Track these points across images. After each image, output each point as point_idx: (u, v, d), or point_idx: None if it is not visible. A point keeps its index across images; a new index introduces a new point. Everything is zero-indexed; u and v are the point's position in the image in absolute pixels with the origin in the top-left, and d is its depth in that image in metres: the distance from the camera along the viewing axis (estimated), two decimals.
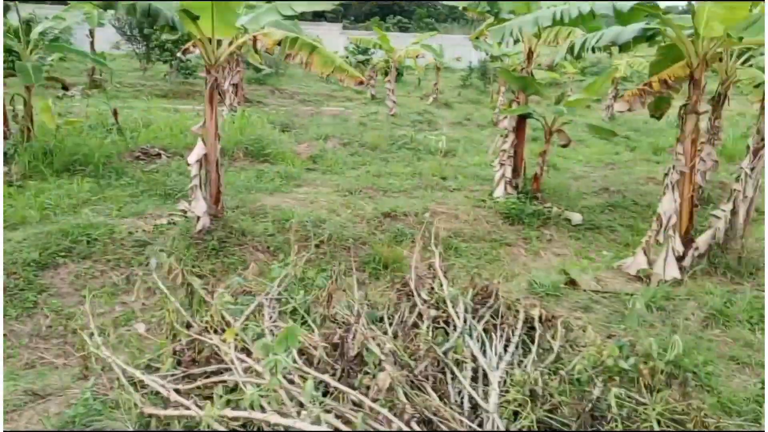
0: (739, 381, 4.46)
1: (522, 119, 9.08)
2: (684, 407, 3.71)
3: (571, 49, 6.25)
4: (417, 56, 21.49)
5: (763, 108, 5.97)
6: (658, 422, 3.52)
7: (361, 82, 6.50)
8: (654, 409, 3.57)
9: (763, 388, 4.34)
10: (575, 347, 4.33)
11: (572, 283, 5.85)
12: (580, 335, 4.60)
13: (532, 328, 4.35)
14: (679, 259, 6.11)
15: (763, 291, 5.91)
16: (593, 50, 6.17)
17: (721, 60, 6.44)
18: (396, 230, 7.54)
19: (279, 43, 6.13)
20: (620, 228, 8.62)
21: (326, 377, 2.53)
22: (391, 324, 3.99)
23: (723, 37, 5.34)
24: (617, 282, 6.16)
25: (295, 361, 2.55)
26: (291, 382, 2.47)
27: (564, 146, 9.00)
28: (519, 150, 9.23)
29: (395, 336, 3.88)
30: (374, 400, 2.45)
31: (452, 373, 3.38)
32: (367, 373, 2.70)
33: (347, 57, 28.95)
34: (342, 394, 2.49)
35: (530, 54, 8.71)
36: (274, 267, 3.86)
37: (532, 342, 4.26)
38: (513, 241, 8.14)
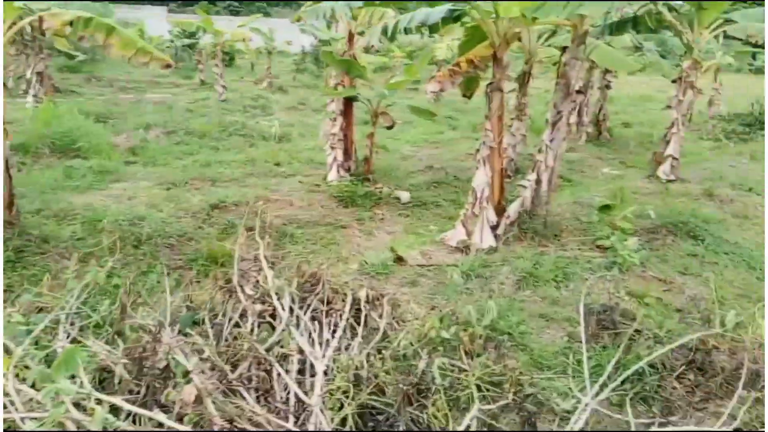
0: (548, 336, 4.83)
1: (349, 102, 9.09)
2: (501, 369, 3.92)
3: (384, 31, 6.31)
4: (244, 39, 20.78)
5: (557, 84, 6.47)
6: (478, 387, 3.68)
7: (168, 66, 6.06)
8: (474, 375, 3.72)
9: (569, 341, 4.74)
10: (402, 323, 4.40)
11: (400, 260, 5.98)
12: (407, 310, 4.71)
13: (361, 310, 4.36)
14: (494, 228, 6.49)
15: (566, 251, 6.48)
16: (406, 31, 6.28)
17: (520, 39, 6.86)
18: (226, 222, 7.23)
19: (71, 24, 5.50)
20: (444, 203, 8.99)
21: (118, 399, 2.29)
22: (212, 326, 3.78)
23: (519, 17, 5.67)
24: (441, 254, 6.40)
25: (82, 385, 2.27)
26: (85, 409, 2.21)
27: (389, 128, 9.18)
28: (348, 133, 9.25)
29: (217, 339, 3.68)
30: (181, 417, 2.27)
31: (280, 369, 3.27)
32: (176, 386, 2.50)
33: (172, 41, 27.31)
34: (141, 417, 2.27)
35: (351, 37, 8.72)
36: (69, 277, 3.46)
37: (361, 324, 4.27)
38: (348, 223, 8.16)
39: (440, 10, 5.91)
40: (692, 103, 9.72)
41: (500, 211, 6.60)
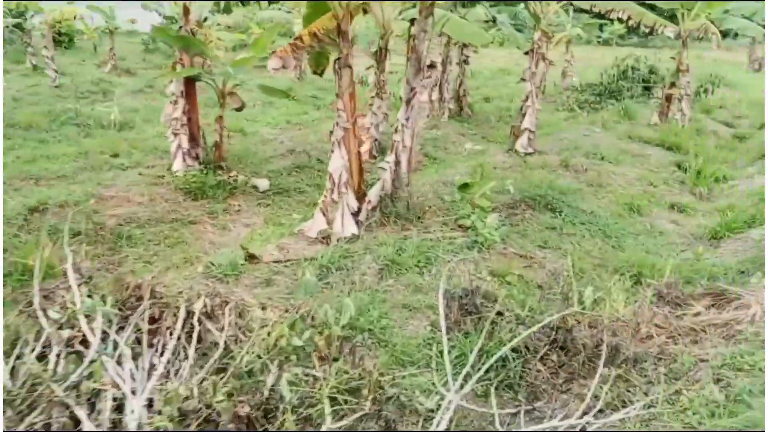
0: (412, 328, 4.60)
1: (191, 83, 8.35)
2: (359, 373, 3.61)
3: (218, 4, 5.72)
4: (75, 17, 18.91)
5: (408, 59, 6.23)
6: (333, 399, 3.34)
7: None
8: (327, 385, 3.38)
9: (433, 330, 4.53)
10: (249, 333, 3.95)
11: (252, 257, 5.49)
12: (256, 317, 4.25)
13: (199, 323, 3.86)
14: (355, 214, 6.18)
15: (430, 233, 6.31)
16: (243, 3, 5.72)
17: (366, 12, 6.52)
18: (49, 228, 6.33)
19: None
20: (308, 188, 8.58)
21: None
22: (7, 362, 3.12)
23: None
24: (300, 247, 5.99)
25: None
26: None
27: (238, 110, 8.56)
28: (193, 117, 8.52)
29: (12, 376, 3.05)
30: None
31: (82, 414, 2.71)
32: None
33: None
34: None
35: (186, 11, 7.95)
36: None
37: (199, 341, 3.78)
38: (198, 218, 7.51)
39: None
40: (545, 75, 9.97)
41: (361, 196, 6.29)
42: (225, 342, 3.75)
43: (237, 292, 4.77)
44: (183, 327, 3.74)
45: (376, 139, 10.52)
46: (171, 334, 3.62)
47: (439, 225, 6.57)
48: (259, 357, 3.69)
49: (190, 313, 3.79)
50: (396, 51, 11.63)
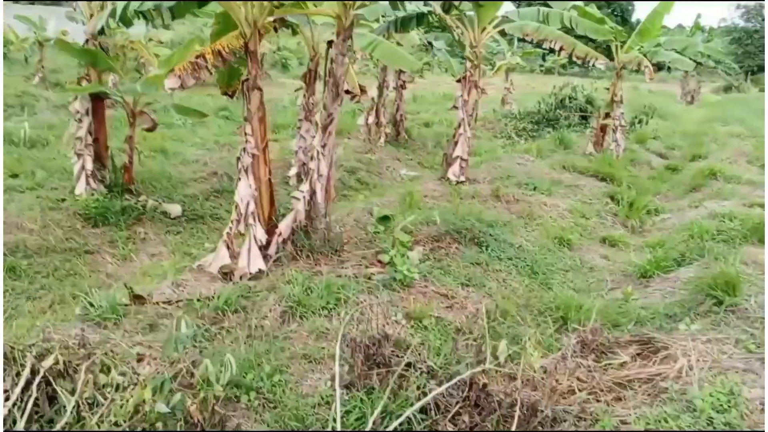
0: (310, 383, 4.11)
1: (99, 101, 7.72)
2: None
3: (113, 14, 5.19)
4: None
5: (325, 83, 5.82)
6: None
7: None
8: None
9: (333, 387, 4.05)
10: (110, 395, 3.40)
11: (138, 298, 4.90)
12: (128, 371, 3.69)
13: (49, 384, 3.29)
14: (265, 247, 5.69)
15: (346, 268, 5.86)
16: (145, 17, 5.23)
17: (276, 30, 6.08)
18: None
19: None
20: (226, 215, 8.01)
21: None
22: None
23: (270, 6, 4.92)
24: (201, 284, 5.44)
25: None
26: None
27: (149, 130, 7.97)
28: (101, 136, 7.88)
29: None
30: None
31: None
32: None
33: None
34: None
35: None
36: None
37: (51, 403, 3.22)
38: (95, 248, 6.89)
39: None
40: (477, 103, 9.74)
41: (272, 227, 5.80)
42: (77, 406, 3.19)
43: (113, 340, 4.20)
44: (26, 389, 3.17)
45: (304, 164, 10.06)
46: (7, 399, 3.04)
47: (359, 259, 6.13)
48: (117, 426, 3.15)
49: (35, 371, 3.22)
50: None
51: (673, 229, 8.43)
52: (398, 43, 12.07)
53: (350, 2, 5.54)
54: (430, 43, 12.82)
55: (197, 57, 4.98)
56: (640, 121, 17.16)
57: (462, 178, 9.66)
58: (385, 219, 5.94)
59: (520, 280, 6.40)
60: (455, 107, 9.77)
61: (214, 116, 15.61)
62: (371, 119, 13.85)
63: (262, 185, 5.64)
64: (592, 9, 11.24)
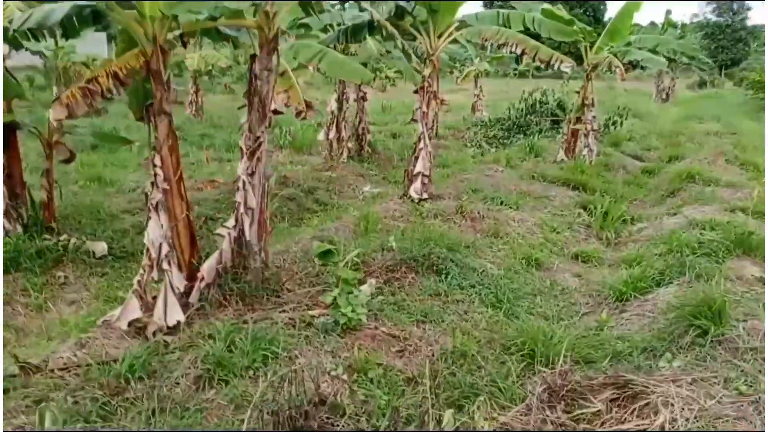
0: None
1: (11, 131, 7.02)
2: None
3: (5, 35, 4.53)
4: None
5: (249, 102, 5.19)
6: None
7: None
8: None
9: None
10: None
11: (27, 367, 4.19)
12: None
13: None
14: (185, 295, 5.03)
15: (285, 311, 5.22)
16: (32, 35, 4.59)
17: (185, 45, 5.40)
18: None
19: None
20: None
21: None
22: None
23: (170, 20, 4.29)
24: (110, 342, 4.76)
25: None
26: None
27: (66, 162, 7.27)
28: (15, 171, 7.17)
29: None
30: None
31: None
32: None
33: None
34: None
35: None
36: None
37: None
38: (6, 297, 6.15)
39: (65, 7, 4.30)
40: (437, 115, 9.17)
41: (195, 272, 5.15)
42: None
43: None
44: None
45: None
46: None
47: (300, 300, 5.48)
48: None
49: None
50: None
51: (650, 241, 7.90)
52: (353, 54, 11.53)
53: (271, 10, 4.93)
54: (388, 52, 12.28)
55: (89, 81, 4.33)
56: (614, 123, 16.78)
57: (425, 195, 9.07)
58: (326, 255, 5.29)
59: (483, 311, 5.78)
60: (414, 120, 9.19)
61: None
62: (332, 134, 13.25)
63: (179, 224, 4.98)
64: (560, 10, 10.79)
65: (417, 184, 9.06)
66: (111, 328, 4.84)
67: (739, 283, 5.81)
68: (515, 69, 51.78)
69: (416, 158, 9.08)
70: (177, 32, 4.71)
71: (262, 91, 5.09)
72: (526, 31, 8.70)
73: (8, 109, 6.84)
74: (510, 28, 8.64)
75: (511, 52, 8.44)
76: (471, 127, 18.60)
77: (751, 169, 11.88)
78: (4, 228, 6.94)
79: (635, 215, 9.53)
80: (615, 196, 10.51)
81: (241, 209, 5.13)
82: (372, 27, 9.09)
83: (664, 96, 33.32)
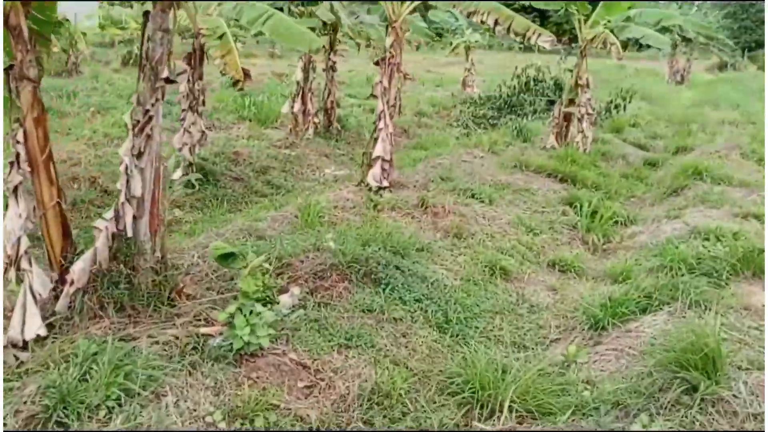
0: None
1: None
2: None
3: None
4: None
5: (140, 69, 4.46)
6: None
7: None
8: None
9: None
10: None
11: None
12: None
13: None
14: (53, 301, 4.34)
15: (175, 326, 4.53)
16: None
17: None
18: None
19: None
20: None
21: None
22: None
23: None
24: None
25: None
26: None
27: None
28: None
29: None
30: None
31: None
32: None
33: None
34: None
35: None
36: None
37: None
38: None
39: None
40: (399, 91, 8.42)
41: (63, 272, 4.46)
42: None
43: None
44: None
45: (190, 164, 8.71)
46: None
47: (200, 312, 4.80)
48: None
49: None
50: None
51: (643, 250, 7.24)
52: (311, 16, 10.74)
53: None
54: (356, 16, 11.47)
55: None
56: (617, 107, 16.06)
57: (384, 183, 8.35)
58: (227, 258, 4.59)
59: (426, 334, 5.12)
60: (373, 96, 8.44)
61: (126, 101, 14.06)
62: (297, 107, 12.48)
63: (47, 212, 4.28)
64: None
65: (376, 170, 8.34)
66: None
67: (746, 318, 5.05)
68: (520, 42, 50.59)
69: (375, 140, 8.35)
70: None
71: (155, 56, 4.35)
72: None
73: None
74: None
75: (481, 22, 7.68)
76: (458, 105, 17.84)
77: None
78: None
79: (630, 216, 8.86)
80: (608, 192, 9.88)
81: (122, 198, 4.41)
82: None
83: (678, 78, 32.58)
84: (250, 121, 13.31)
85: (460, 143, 12.98)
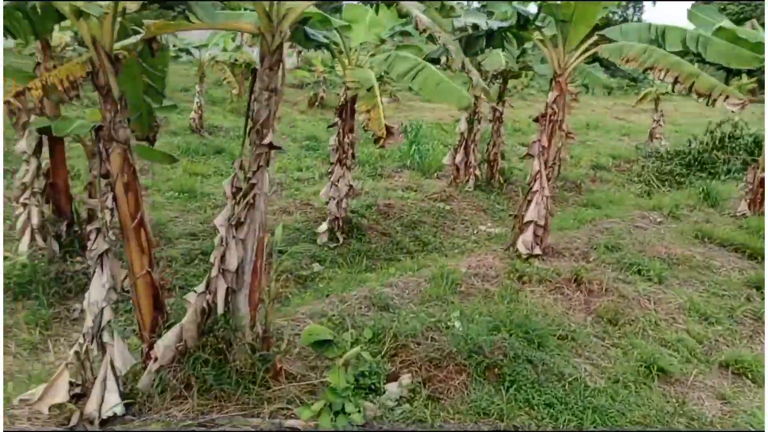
0: None
1: (55, 138, 6.57)
2: None
3: None
4: None
5: (247, 131, 4.05)
6: None
7: None
8: None
9: None
10: None
11: None
12: None
13: None
14: (133, 378, 4.02)
15: (247, 421, 3.99)
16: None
17: (152, 54, 4.25)
18: None
19: None
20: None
21: None
22: None
23: (119, 19, 3.29)
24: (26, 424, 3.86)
25: None
26: None
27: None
28: (59, 181, 6.73)
29: None
30: None
31: None
32: None
33: None
34: None
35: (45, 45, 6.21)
36: None
37: None
38: (6, 329, 5.61)
39: None
40: (560, 150, 7.42)
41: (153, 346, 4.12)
42: None
43: None
44: None
45: (336, 218, 8.37)
46: None
47: (291, 398, 4.23)
48: None
49: None
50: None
51: None
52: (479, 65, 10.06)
53: (278, 11, 3.76)
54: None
55: (19, 94, 3.47)
56: None
57: (536, 251, 7.37)
58: (322, 345, 3.98)
59: None
60: (529, 155, 7.52)
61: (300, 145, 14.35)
62: (459, 157, 11.84)
63: (137, 282, 3.98)
64: (746, 30, 8.41)
65: (527, 236, 7.39)
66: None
67: None
68: (706, 103, 45.49)
69: (528, 203, 7.41)
70: (136, 38, 3.69)
71: (259, 118, 3.92)
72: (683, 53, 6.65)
73: (56, 113, 6.38)
74: (664, 46, 6.66)
75: (660, 80, 6.48)
76: (642, 159, 16.10)
77: None
78: (38, 246, 6.50)
79: None
80: None
81: (215, 271, 4.00)
82: (491, 38, 7.61)
83: None
84: (413, 170, 12.86)
85: (637, 203, 11.46)
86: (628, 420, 4.64)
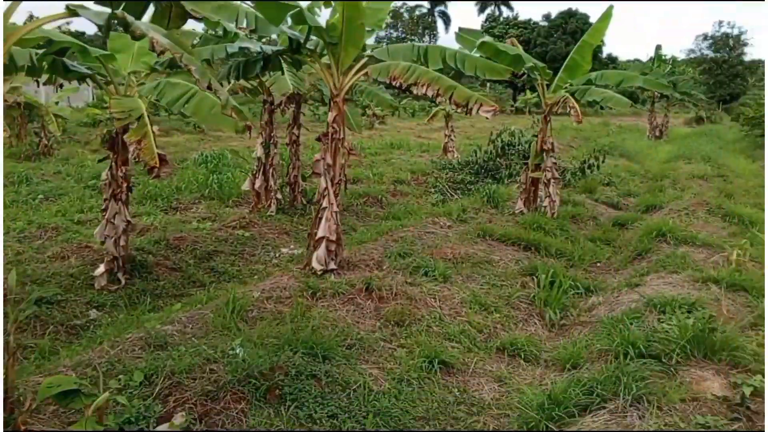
0: None
1: None
2: None
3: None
4: None
5: None
6: None
7: None
8: None
9: None
10: None
11: None
12: None
13: None
14: None
15: None
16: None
17: None
18: None
19: None
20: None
21: None
22: None
23: None
24: None
25: None
26: None
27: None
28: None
29: None
30: None
31: None
32: None
33: None
34: None
35: None
36: None
37: None
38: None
39: None
40: (344, 167, 7.44)
41: None
42: None
43: None
44: None
45: (115, 258, 7.69)
46: None
47: None
48: None
49: None
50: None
51: (597, 326, 6.16)
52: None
53: None
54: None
55: None
56: (590, 166, 15.12)
57: (332, 266, 7.30)
58: (66, 396, 3.50)
59: None
60: (315, 173, 7.46)
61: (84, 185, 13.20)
62: (258, 183, 11.55)
63: None
64: (506, 45, 9.22)
65: (320, 252, 7.31)
66: None
67: (691, 411, 4.02)
68: (512, 105, 49.79)
69: (319, 220, 7.34)
70: None
71: None
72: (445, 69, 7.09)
73: None
74: (427, 64, 7.01)
75: (423, 95, 6.78)
76: (437, 171, 16.93)
77: (734, 222, 10.11)
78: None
79: (592, 284, 7.74)
80: (572, 259, 8.80)
81: None
82: (267, 61, 7.50)
83: (657, 133, 31.81)
84: (212, 199, 12.34)
85: (431, 212, 11.94)
86: (411, 416, 4.67)
